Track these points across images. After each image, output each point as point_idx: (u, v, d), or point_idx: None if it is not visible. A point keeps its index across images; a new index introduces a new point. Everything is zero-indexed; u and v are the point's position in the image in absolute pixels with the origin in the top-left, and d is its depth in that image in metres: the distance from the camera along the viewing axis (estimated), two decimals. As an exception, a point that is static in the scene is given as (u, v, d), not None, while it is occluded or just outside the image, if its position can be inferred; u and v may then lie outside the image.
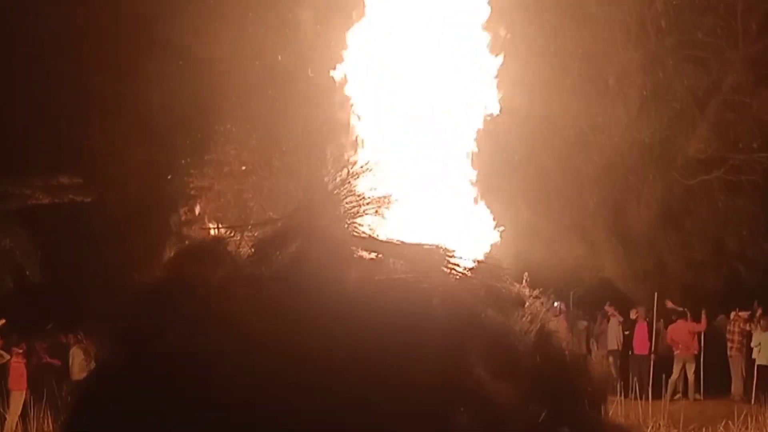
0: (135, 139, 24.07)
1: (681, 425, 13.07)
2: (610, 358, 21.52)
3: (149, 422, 5.70)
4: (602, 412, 7.17)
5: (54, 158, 23.60)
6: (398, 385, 5.75)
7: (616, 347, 21.67)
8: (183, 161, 23.07)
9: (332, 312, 6.04)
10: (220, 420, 5.58)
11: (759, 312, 20.31)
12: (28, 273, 23.78)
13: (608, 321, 22.21)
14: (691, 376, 20.86)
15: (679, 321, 21.17)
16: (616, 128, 23.47)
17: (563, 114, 23.23)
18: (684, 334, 20.93)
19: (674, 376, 20.90)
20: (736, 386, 19.99)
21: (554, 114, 23.06)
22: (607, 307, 22.53)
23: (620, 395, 16.39)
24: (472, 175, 8.41)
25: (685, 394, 20.74)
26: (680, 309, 21.71)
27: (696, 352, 20.96)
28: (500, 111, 8.57)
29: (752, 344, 19.92)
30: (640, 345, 21.40)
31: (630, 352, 21.64)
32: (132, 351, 6.35)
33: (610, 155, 23.82)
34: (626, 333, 21.73)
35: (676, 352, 21.04)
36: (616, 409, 11.98)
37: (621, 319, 21.88)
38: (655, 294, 22.12)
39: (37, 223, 23.67)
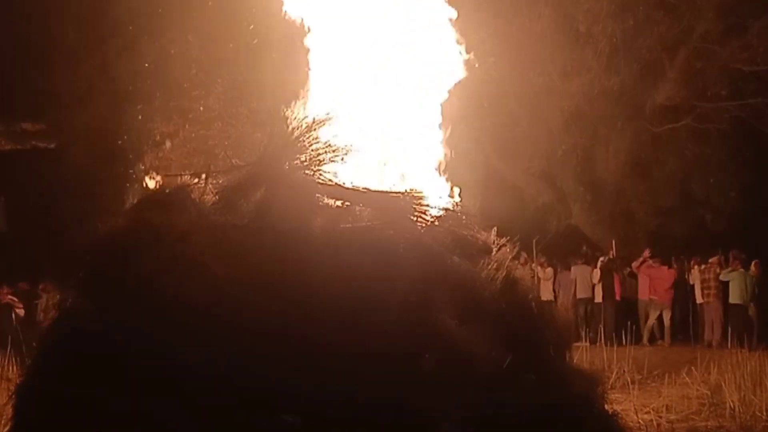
0: (99, 84, 23.78)
1: (645, 371, 13.21)
2: (583, 306, 21.71)
3: (113, 368, 5.67)
4: (567, 359, 7.22)
5: (17, 104, 23.26)
6: (363, 333, 5.74)
7: (585, 295, 21.82)
8: (148, 107, 22.78)
9: (297, 259, 6.01)
10: (184, 366, 5.56)
11: (721, 257, 20.65)
12: (-8, 220, 23.56)
13: (570, 270, 22.33)
14: (667, 322, 21.23)
15: (661, 267, 21.42)
16: (586, 76, 23.41)
17: (533, 61, 23.15)
18: (666, 281, 21.22)
19: (650, 322, 21.23)
20: (715, 332, 20.23)
21: (524, 61, 22.98)
22: (573, 258, 22.66)
23: (586, 341, 16.56)
24: (440, 122, 8.38)
25: (653, 340, 21.09)
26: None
27: (671, 298, 21.31)
28: (468, 57, 8.53)
29: (724, 278, 20.20)
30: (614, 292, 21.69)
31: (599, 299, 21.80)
32: (95, 298, 6.30)
33: (579, 103, 23.80)
34: (594, 283, 21.87)
35: (653, 299, 21.28)
36: (582, 355, 12.08)
37: (591, 267, 22.02)
38: (613, 242, 22.34)
39: (0, 170, 23.39)
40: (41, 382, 6.12)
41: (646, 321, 21.36)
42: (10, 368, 12.57)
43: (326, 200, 6.77)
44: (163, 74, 22.43)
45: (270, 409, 5.47)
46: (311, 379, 5.52)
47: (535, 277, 20.04)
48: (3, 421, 7.28)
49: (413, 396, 5.66)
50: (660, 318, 21.24)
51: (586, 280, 21.85)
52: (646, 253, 21.53)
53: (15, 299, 19.06)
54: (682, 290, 21.28)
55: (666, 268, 21.44)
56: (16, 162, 23.55)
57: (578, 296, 21.70)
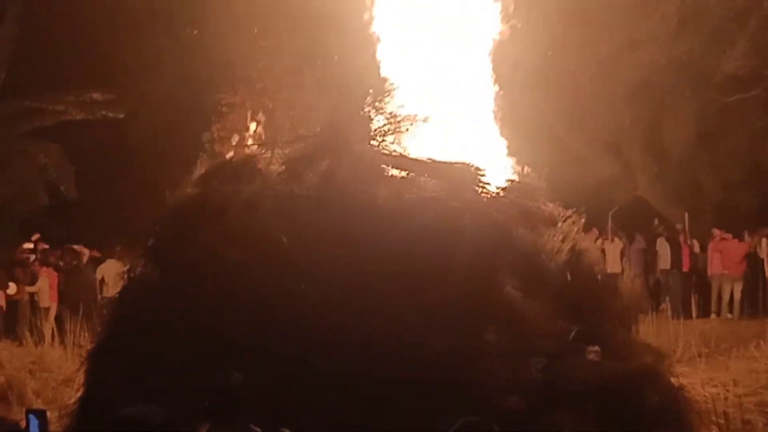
0: (168, 54, 24.04)
1: (712, 344, 13.03)
2: (666, 278, 21.51)
3: (180, 335, 5.76)
4: (632, 331, 7.16)
5: (87, 74, 23.60)
6: (428, 303, 5.75)
7: (666, 266, 21.60)
8: (215, 77, 22.97)
9: (362, 229, 6.03)
10: (248, 332, 5.63)
11: None
12: (62, 189, 23.97)
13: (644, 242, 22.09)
14: (738, 295, 20.92)
15: (733, 241, 21.09)
16: (653, 44, 22.99)
17: (599, 30, 22.79)
18: (739, 255, 20.92)
19: (726, 296, 20.95)
20: None
21: (590, 30, 22.64)
22: (658, 231, 22.43)
23: (653, 314, 16.36)
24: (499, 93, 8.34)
25: (719, 313, 20.84)
26: None
27: (744, 271, 21.00)
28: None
29: None
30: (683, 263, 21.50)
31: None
32: (163, 266, 6.40)
33: (647, 72, 23.40)
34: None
35: (725, 273, 20.98)
36: (648, 327, 11.94)
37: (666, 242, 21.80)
38: (686, 214, 22.02)
39: (71, 140, 23.77)
40: (111, 349, 6.25)
41: (718, 294, 21.10)
42: (82, 335, 12.83)
43: (391, 171, 6.77)
44: (229, 45, 22.57)
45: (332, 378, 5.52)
46: (376, 348, 5.55)
47: (603, 250, 19.84)
48: (75, 387, 7.45)
49: (479, 367, 5.66)
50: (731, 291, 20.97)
51: (668, 253, 21.60)
52: (716, 231, 21.21)
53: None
54: (752, 263, 20.94)
55: (737, 241, 21.12)
56: (86, 131, 23.91)
57: (661, 267, 21.55)
